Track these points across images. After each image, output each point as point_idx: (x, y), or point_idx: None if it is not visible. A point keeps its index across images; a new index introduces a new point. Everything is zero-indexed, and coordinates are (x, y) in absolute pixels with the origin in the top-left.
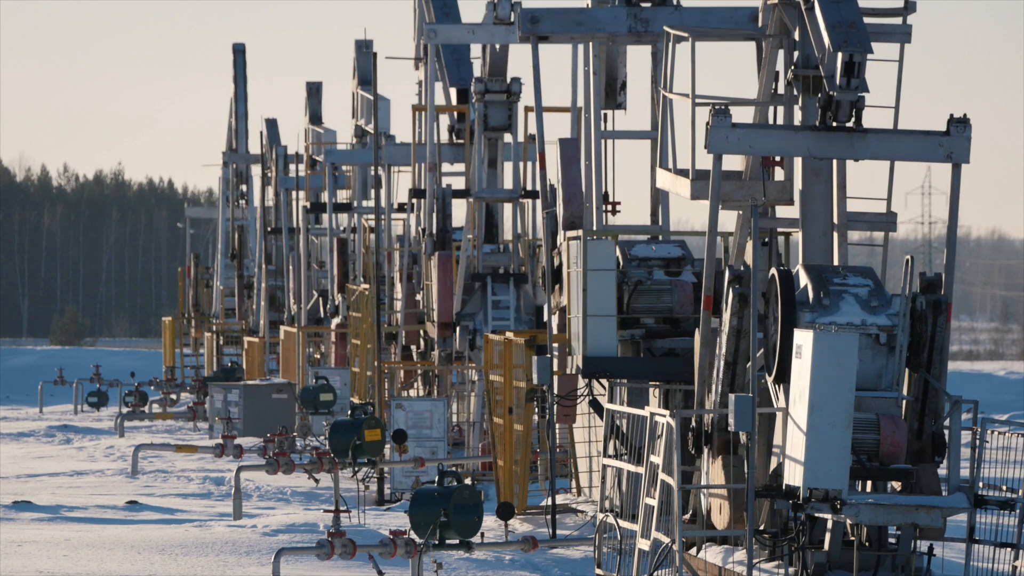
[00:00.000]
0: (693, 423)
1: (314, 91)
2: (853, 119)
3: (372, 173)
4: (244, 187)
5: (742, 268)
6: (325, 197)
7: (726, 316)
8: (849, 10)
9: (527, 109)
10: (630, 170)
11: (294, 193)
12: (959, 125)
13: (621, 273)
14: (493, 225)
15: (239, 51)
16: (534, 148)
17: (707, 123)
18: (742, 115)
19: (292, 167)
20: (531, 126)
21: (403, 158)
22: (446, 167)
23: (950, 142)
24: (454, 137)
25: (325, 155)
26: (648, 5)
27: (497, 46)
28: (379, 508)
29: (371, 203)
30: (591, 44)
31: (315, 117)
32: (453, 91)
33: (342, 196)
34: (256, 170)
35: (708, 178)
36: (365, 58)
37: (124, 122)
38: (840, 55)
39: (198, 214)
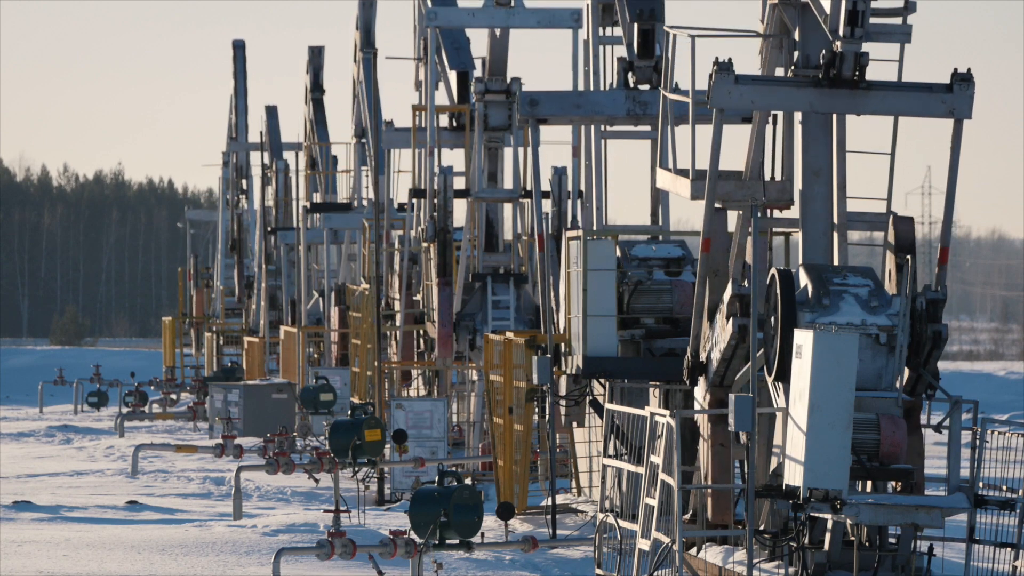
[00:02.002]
0: (689, 355)
1: (316, 54)
2: (856, 74)
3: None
4: (244, 182)
5: (743, 283)
6: (322, 197)
7: (727, 325)
8: None
9: None
10: (630, 170)
11: (293, 192)
12: (962, 82)
13: (621, 273)
14: (493, 235)
15: (239, 47)
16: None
17: (710, 76)
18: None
19: (291, 164)
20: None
21: (402, 143)
22: (446, 154)
23: (952, 98)
24: (454, 122)
25: (324, 220)
26: (646, 88)
27: (497, 32)
28: (379, 508)
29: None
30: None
31: (316, 85)
32: (453, 76)
33: (342, 196)
34: (256, 167)
35: (707, 178)
36: (368, 10)
37: (124, 122)
38: (844, 2)
39: (199, 216)
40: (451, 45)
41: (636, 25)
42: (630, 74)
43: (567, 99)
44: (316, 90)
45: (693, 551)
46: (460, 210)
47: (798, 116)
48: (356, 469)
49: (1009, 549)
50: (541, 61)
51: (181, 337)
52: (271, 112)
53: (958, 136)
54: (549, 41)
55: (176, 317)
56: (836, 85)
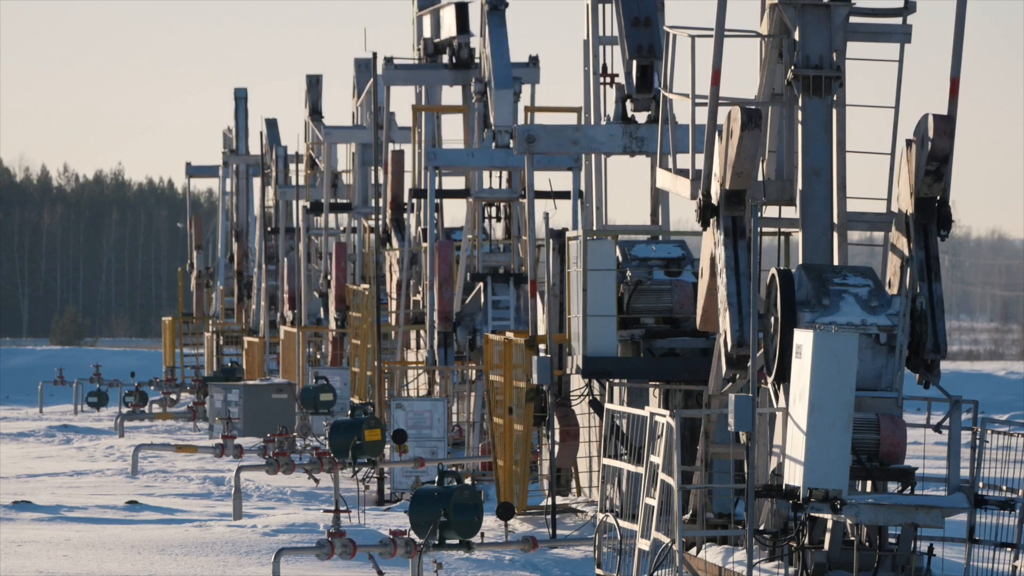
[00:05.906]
0: (701, 195)
1: (314, 83)
2: None
3: (372, 182)
4: (244, 194)
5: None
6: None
7: (723, 365)
8: None
9: (527, 109)
10: (630, 171)
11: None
12: None
13: (621, 273)
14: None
15: (241, 97)
16: None
17: None
18: None
19: (292, 166)
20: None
21: (401, 80)
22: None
23: None
24: (453, 59)
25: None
26: (643, 122)
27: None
28: (379, 508)
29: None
30: (590, 42)
31: (315, 112)
32: (451, 11)
33: (342, 196)
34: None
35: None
36: (364, 76)
37: (124, 122)
38: None
39: (200, 174)
40: None
41: (635, 61)
42: (628, 103)
43: (564, 134)
44: (315, 114)
45: (693, 551)
46: (460, 210)
47: (798, 116)
48: (356, 469)
49: (1009, 549)
50: (542, 53)
51: (181, 337)
52: (271, 124)
53: None
54: (549, 40)
55: (176, 317)
56: None
